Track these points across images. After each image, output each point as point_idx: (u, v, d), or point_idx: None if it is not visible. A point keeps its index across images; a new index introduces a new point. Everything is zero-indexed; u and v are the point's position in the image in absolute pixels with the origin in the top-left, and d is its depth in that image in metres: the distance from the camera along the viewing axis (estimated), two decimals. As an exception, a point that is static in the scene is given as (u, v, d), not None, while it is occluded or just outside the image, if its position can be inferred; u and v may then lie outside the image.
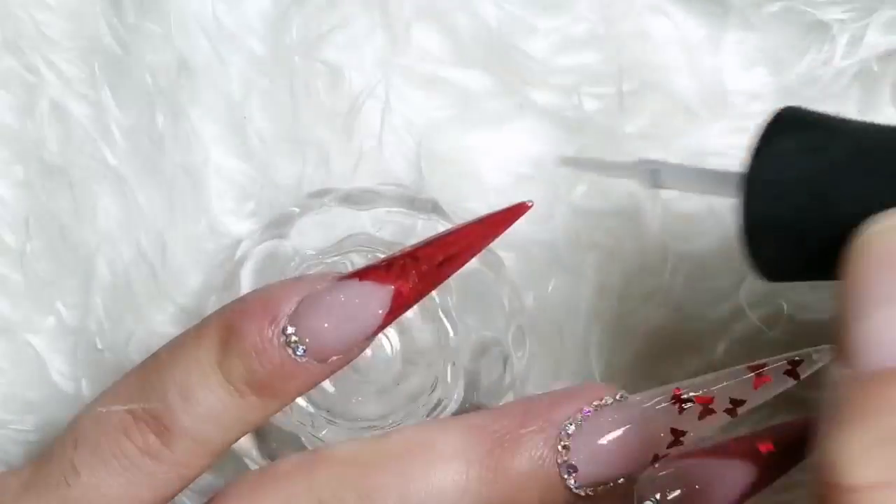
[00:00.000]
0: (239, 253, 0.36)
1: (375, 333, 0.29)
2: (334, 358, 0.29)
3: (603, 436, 0.28)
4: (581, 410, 0.29)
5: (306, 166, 0.38)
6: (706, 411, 0.28)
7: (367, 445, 0.29)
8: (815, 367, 0.28)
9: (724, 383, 0.28)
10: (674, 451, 0.28)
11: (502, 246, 0.36)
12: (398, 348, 0.35)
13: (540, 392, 0.32)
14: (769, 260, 0.24)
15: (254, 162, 0.39)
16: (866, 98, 0.40)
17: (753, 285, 0.39)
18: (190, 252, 0.38)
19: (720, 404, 0.28)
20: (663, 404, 0.28)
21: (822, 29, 0.39)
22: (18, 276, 0.39)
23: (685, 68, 0.39)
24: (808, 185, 0.23)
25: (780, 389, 0.28)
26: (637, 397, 0.29)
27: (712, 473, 0.29)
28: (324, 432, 0.34)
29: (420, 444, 0.29)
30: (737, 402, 0.28)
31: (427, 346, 0.35)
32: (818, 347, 0.28)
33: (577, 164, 0.26)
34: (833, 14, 0.38)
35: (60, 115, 0.38)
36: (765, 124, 0.24)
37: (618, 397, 0.29)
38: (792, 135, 0.24)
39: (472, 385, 0.35)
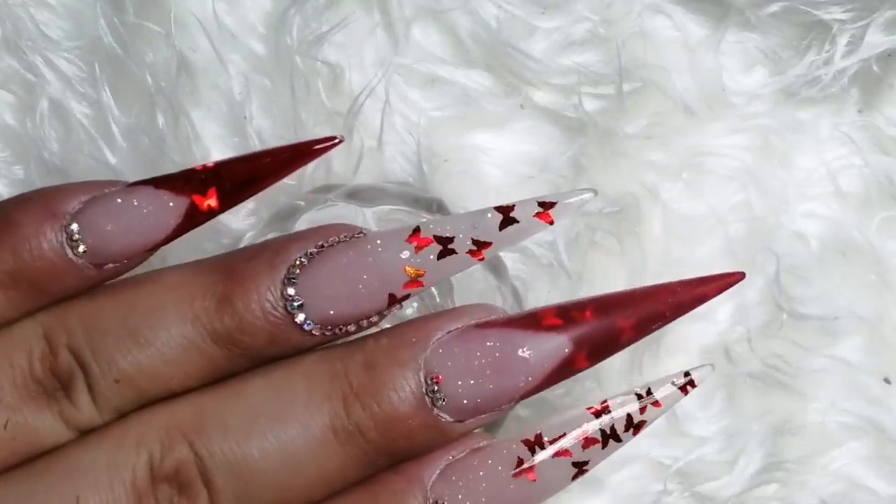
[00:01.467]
0: (242, 245, 0.36)
1: (161, 244, 0.28)
2: (111, 265, 0.28)
3: (330, 270, 0.27)
4: (315, 246, 0.28)
5: (307, 166, 0.38)
6: (446, 251, 0.27)
7: (102, 286, 0.28)
8: (572, 203, 0.27)
9: (469, 223, 0.27)
10: (412, 291, 0.27)
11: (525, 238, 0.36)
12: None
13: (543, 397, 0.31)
14: None
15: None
16: (866, 98, 0.40)
17: (753, 285, 0.39)
18: (190, 252, 0.38)
19: (462, 245, 0.27)
20: (401, 243, 0.27)
21: (822, 29, 0.39)
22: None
23: (685, 68, 0.39)
24: None
25: (532, 233, 0.27)
26: (375, 233, 0.28)
27: (517, 342, 0.27)
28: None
29: (149, 276, 0.28)
30: (481, 244, 0.27)
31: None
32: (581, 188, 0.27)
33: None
34: (833, 14, 0.38)
35: (60, 115, 0.38)
36: None
37: (356, 234, 0.28)
38: None
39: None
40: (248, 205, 0.39)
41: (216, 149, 0.39)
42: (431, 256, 0.27)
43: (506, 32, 0.39)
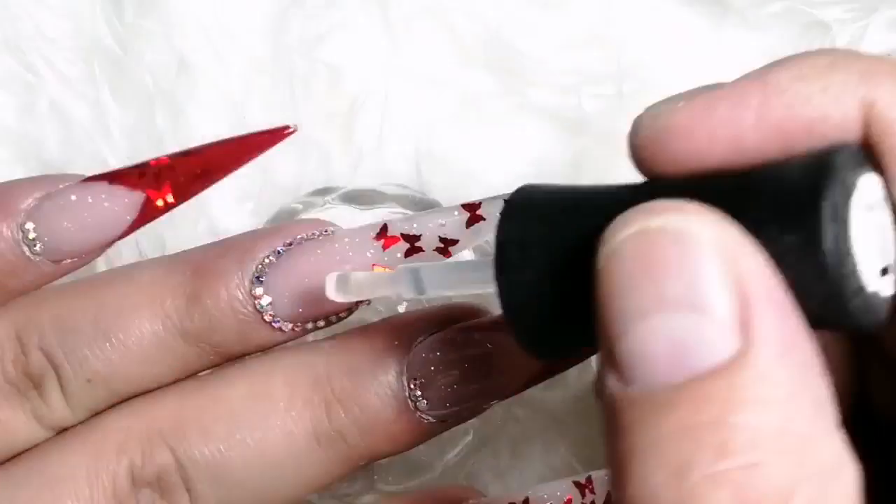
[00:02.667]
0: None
1: (118, 239, 0.28)
2: (69, 261, 0.28)
3: (298, 267, 0.27)
4: (284, 244, 0.28)
5: (306, 166, 0.38)
6: (413, 249, 0.27)
7: (73, 281, 0.28)
8: None
9: (436, 221, 0.27)
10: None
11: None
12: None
13: (542, 389, 0.31)
14: (538, 344, 0.23)
15: (254, 162, 0.39)
16: (866, 98, 0.40)
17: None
18: (189, 252, 0.39)
19: (429, 242, 0.27)
20: (369, 240, 0.27)
21: (822, 29, 0.39)
22: (18, 276, 0.39)
23: (685, 68, 0.39)
24: (551, 263, 0.22)
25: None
26: (343, 231, 0.28)
27: (499, 345, 0.27)
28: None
29: (120, 274, 0.28)
30: (448, 242, 0.27)
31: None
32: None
33: (343, 289, 0.26)
34: (833, 14, 0.38)
35: (60, 115, 0.38)
36: (501, 214, 0.24)
37: (326, 231, 0.28)
38: (529, 217, 0.23)
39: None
40: (249, 206, 0.39)
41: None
42: (399, 254, 0.27)
43: (506, 32, 0.39)
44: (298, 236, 0.28)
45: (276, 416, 0.27)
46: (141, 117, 0.38)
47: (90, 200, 0.27)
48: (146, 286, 0.27)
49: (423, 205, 0.36)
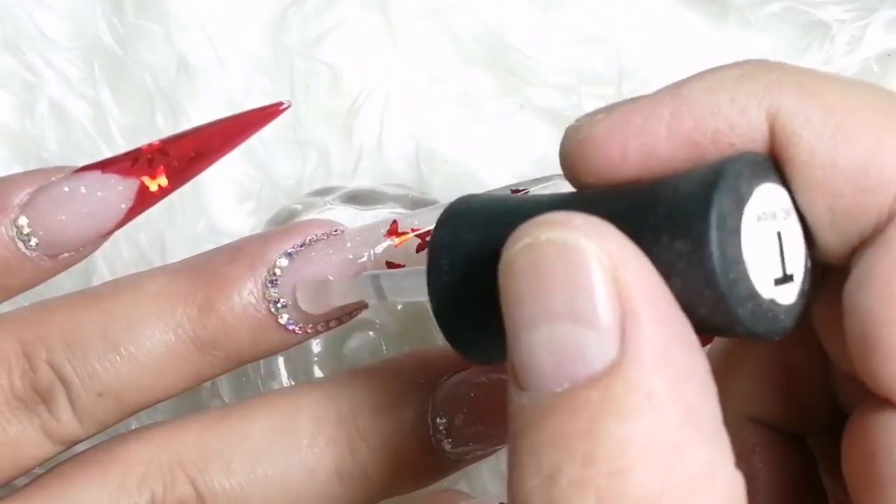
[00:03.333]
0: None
1: (116, 229, 0.27)
2: (66, 254, 0.27)
3: (311, 269, 0.27)
4: (294, 246, 0.27)
5: (306, 166, 0.38)
6: (425, 244, 0.27)
7: (78, 292, 0.28)
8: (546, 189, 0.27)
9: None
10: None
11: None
12: (397, 350, 0.35)
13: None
14: (463, 346, 0.24)
15: (254, 162, 0.39)
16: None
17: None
18: (190, 252, 0.38)
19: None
20: (380, 237, 0.27)
21: (822, 29, 0.39)
22: (18, 276, 0.39)
23: (685, 68, 0.39)
24: (473, 269, 0.23)
25: None
26: (354, 230, 0.28)
27: None
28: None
29: (127, 284, 0.27)
30: None
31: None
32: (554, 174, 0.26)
33: (310, 299, 0.26)
34: (833, 14, 0.38)
35: (60, 115, 0.38)
36: (437, 220, 0.24)
37: (334, 231, 0.28)
38: (460, 225, 0.24)
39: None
40: (249, 206, 0.39)
41: (216, 149, 0.39)
42: (412, 249, 0.27)
43: (506, 32, 0.39)
44: (308, 238, 0.27)
45: (298, 453, 0.27)
46: (141, 117, 0.38)
47: (84, 191, 0.27)
48: (155, 296, 0.27)
49: (423, 205, 0.36)
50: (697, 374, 0.20)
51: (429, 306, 0.24)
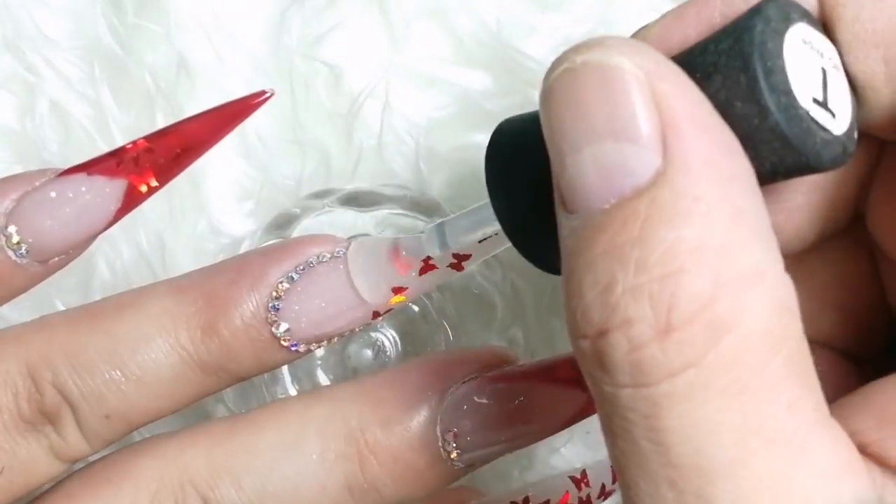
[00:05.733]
0: (241, 250, 0.36)
1: (105, 229, 0.27)
2: (56, 259, 0.27)
3: (314, 294, 0.27)
4: (297, 267, 0.27)
5: (306, 166, 0.38)
6: (428, 267, 0.27)
7: (79, 308, 0.28)
8: None
9: (445, 236, 0.27)
10: (396, 306, 0.27)
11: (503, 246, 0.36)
12: (399, 351, 0.35)
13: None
14: (544, 258, 0.24)
15: (254, 162, 0.39)
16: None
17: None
18: (190, 252, 0.39)
19: (442, 259, 0.27)
20: (382, 258, 0.27)
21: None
22: (18, 276, 0.39)
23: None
24: (532, 175, 0.23)
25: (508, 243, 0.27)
26: (354, 250, 0.28)
27: (534, 396, 0.28)
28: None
29: (129, 303, 0.27)
30: (461, 257, 0.27)
31: (427, 349, 0.35)
32: None
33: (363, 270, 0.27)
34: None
35: (60, 115, 0.38)
36: (488, 143, 0.25)
37: (336, 252, 0.28)
38: (510, 141, 0.24)
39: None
40: (249, 206, 0.39)
41: (216, 149, 0.39)
42: (413, 273, 0.27)
43: (506, 32, 0.39)
44: (310, 259, 0.27)
45: (308, 469, 0.27)
46: (141, 117, 0.38)
47: (71, 195, 0.27)
48: (158, 317, 0.27)
49: (423, 205, 0.36)
50: (743, 178, 0.20)
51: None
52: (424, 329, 0.35)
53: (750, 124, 0.20)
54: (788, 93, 0.20)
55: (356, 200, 0.36)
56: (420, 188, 0.38)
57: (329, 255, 0.28)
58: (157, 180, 0.27)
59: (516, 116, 0.25)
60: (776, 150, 0.20)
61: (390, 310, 0.28)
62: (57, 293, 0.39)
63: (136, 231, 0.38)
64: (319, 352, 0.35)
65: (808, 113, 0.20)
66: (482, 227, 0.26)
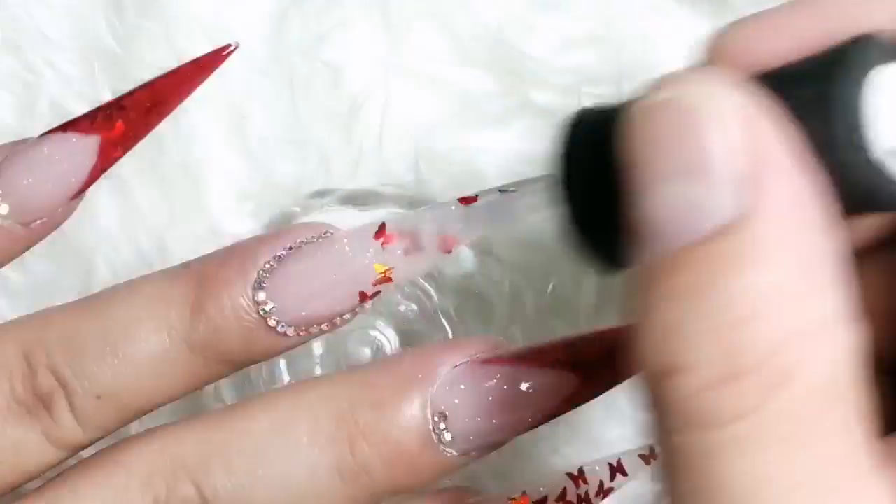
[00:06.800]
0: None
1: (83, 190, 0.28)
2: (38, 222, 0.28)
3: (300, 271, 0.27)
4: (285, 248, 0.28)
5: (306, 166, 0.38)
6: (413, 246, 0.27)
7: (78, 299, 0.29)
8: (536, 188, 0.27)
9: (435, 216, 0.28)
10: (383, 288, 0.28)
11: (503, 246, 0.36)
12: (397, 349, 0.35)
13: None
14: (605, 257, 0.24)
15: (254, 162, 0.39)
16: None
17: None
18: (190, 252, 0.38)
19: (430, 238, 0.28)
20: (368, 240, 0.27)
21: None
22: (18, 276, 0.39)
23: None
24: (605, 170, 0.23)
25: (498, 222, 0.28)
26: (342, 232, 0.28)
27: (525, 379, 0.27)
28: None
29: (125, 290, 0.28)
30: (448, 236, 0.27)
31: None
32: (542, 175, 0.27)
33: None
34: (833, 14, 0.38)
35: (60, 115, 0.38)
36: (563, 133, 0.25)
37: (323, 234, 0.28)
38: (583, 132, 0.24)
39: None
40: (249, 206, 0.39)
41: (216, 149, 0.39)
42: (399, 252, 0.27)
43: (506, 32, 0.39)
44: (298, 240, 0.28)
45: (299, 452, 0.27)
46: (141, 117, 0.38)
47: (46, 152, 0.28)
48: (150, 299, 0.28)
49: (422, 205, 0.36)
50: (820, 225, 0.20)
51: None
52: (423, 329, 0.35)
53: (829, 171, 0.20)
54: (868, 148, 0.20)
55: (356, 200, 0.36)
56: (420, 188, 0.38)
57: (317, 237, 0.28)
58: (130, 134, 0.28)
59: (597, 107, 0.25)
60: (857, 202, 0.20)
61: (378, 293, 0.28)
62: (58, 293, 0.39)
63: (136, 231, 0.38)
64: (318, 350, 0.35)
65: (879, 160, 0.20)
66: (520, 214, 0.26)
